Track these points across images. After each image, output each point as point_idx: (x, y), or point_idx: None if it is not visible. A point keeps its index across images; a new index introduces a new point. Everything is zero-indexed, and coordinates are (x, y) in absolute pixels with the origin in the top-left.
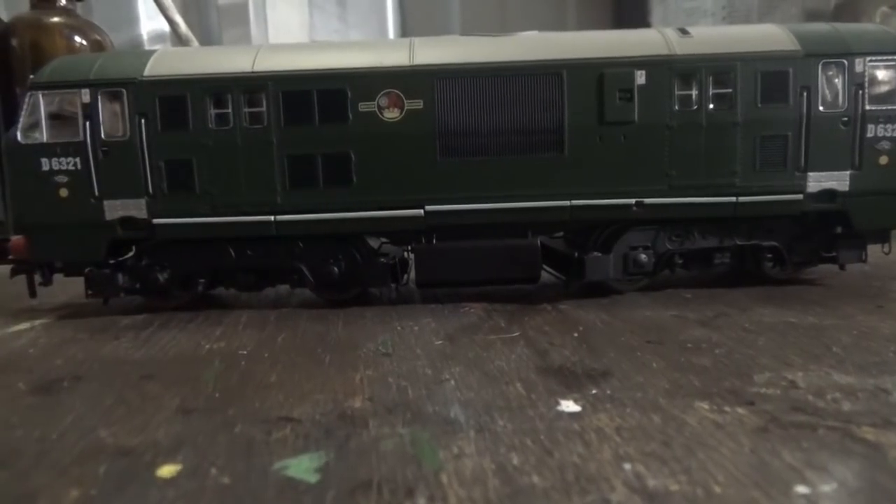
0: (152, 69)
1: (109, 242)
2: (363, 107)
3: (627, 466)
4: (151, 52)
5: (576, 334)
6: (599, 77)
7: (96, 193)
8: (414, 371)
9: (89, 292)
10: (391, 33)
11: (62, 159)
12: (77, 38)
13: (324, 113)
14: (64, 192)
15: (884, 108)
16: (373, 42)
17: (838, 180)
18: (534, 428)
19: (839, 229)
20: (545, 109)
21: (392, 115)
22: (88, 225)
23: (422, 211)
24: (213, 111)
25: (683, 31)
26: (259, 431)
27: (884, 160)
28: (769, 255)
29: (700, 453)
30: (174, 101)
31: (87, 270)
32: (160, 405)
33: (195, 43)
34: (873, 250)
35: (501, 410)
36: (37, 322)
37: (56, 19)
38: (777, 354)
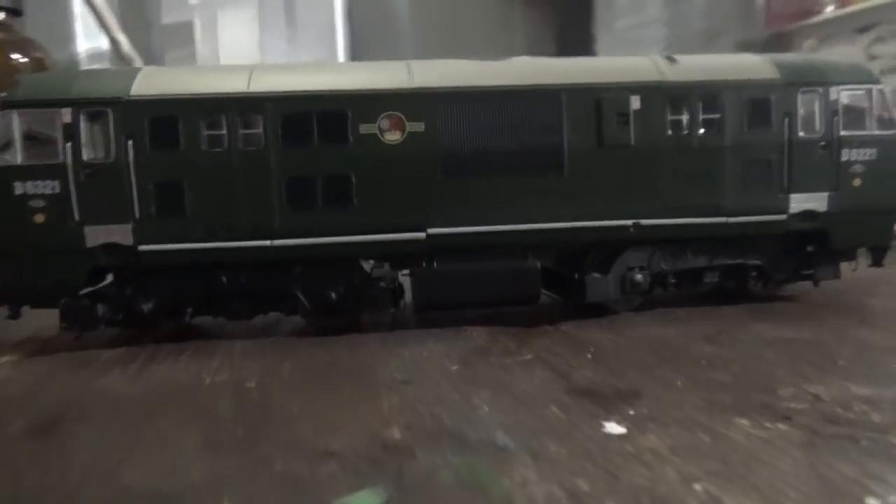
0: (140, 88)
1: (89, 271)
2: (364, 129)
3: (698, 487)
4: (135, 71)
5: (589, 355)
6: (597, 101)
7: (76, 218)
8: (440, 397)
9: (64, 325)
10: (341, 56)
11: (39, 182)
12: (15, 56)
13: (323, 134)
14: (40, 218)
15: (856, 133)
16: (370, 64)
17: (818, 201)
18: (588, 451)
19: (810, 248)
20: (545, 133)
21: (393, 137)
22: (67, 252)
23: (423, 234)
24: (206, 132)
25: (671, 59)
26: (302, 467)
27: (857, 182)
28: (753, 273)
29: (762, 470)
30: (164, 121)
31: (62, 302)
32: (182, 443)
33: (138, 63)
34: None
35: (548, 435)
36: (3, 359)
37: None
38: (790, 369)
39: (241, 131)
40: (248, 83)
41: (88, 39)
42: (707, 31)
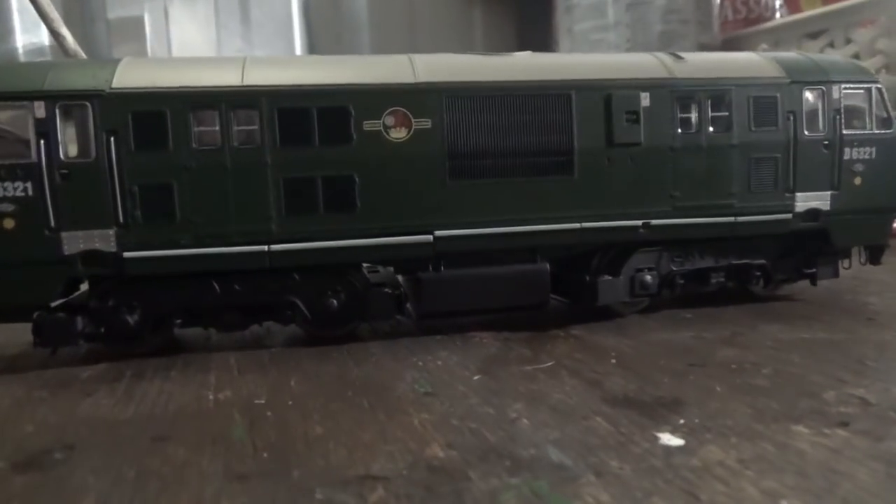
0: (122, 80)
1: (66, 281)
2: (368, 126)
3: (785, 503)
4: (116, 61)
5: (613, 361)
6: (607, 98)
7: (52, 224)
8: (473, 411)
9: (38, 341)
10: (298, 53)
11: (7, 184)
12: None
13: (324, 132)
14: (9, 223)
15: (857, 132)
16: (371, 57)
17: (821, 200)
18: (653, 467)
19: (812, 247)
20: (555, 131)
21: (399, 134)
22: (41, 261)
23: (431, 237)
24: (197, 129)
25: (677, 56)
26: (348, 496)
27: (858, 181)
28: (757, 273)
29: (843, 482)
30: (151, 117)
31: (36, 315)
32: (201, 473)
33: (83, 58)
34: None
35: (603, 449)
36: None
37: None
38: (823, 371)
39: (236, 128)
40: (242, 76)
41: (28, 34)
42: (665, 35)
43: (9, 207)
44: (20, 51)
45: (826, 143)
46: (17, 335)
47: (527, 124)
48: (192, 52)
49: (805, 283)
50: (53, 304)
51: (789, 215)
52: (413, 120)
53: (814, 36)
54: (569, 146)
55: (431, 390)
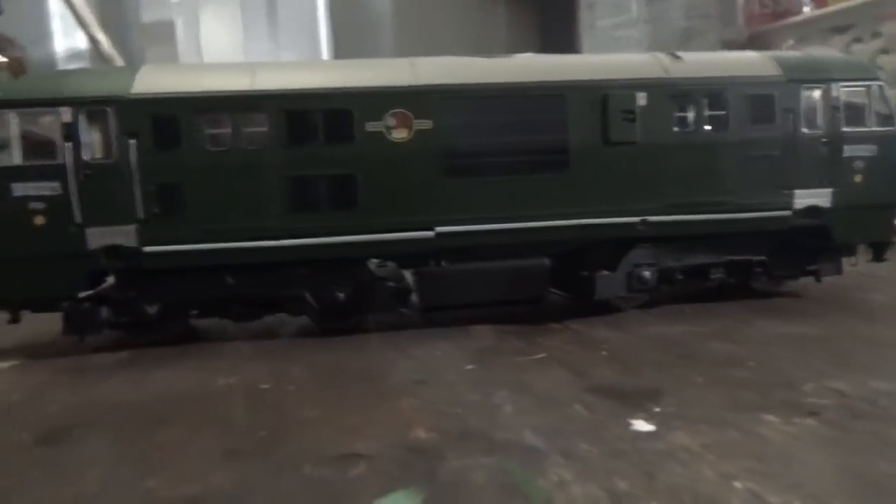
0: (141, 86)
1: (91, 274)
2: (370, 127)
3: (738, 485)
4: (134, 69)
5: (603, 353)
6: (603, 98)
7: (77, 221)
8: (460, 397)
9: (66, 329)
10: (324, 54)
11: (38, 184)
12: None
13: (328, 133)
14: (40, 220)
15: (856, 129)
16: (372, 61)
17: (821, 197)
18: (620, 450)
19: (813, 244)
20: (552, 130)
21: (400, 135)
22: (68, 255)
23: (432, 233)
24: (209, 131)
25: (675, 56)
26: (331, 471)
27: (858, 178)
28: (758, 269)
29: (798, 467)
30: (167, 120)
31: (65, 305)
32: (201, 449)
33: (119, 62)
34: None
35: (576, 434)
36: (4, 364)
37: None
38: (806, 365)
39: (245, 130)
40: (252, 81)
41: (66, 38)
42: (687, 31)
43: (39, 205)
44: (59, 55)
45: (825, 140)
46: (51, 325)
47: (524, 124)
48: (220, 54)
49: (810, 279)
50: (82, 295)
51: (788, 212)
52: (414, 120)
53: (840, 30)
54: (564, 145)
55: (423, 378)
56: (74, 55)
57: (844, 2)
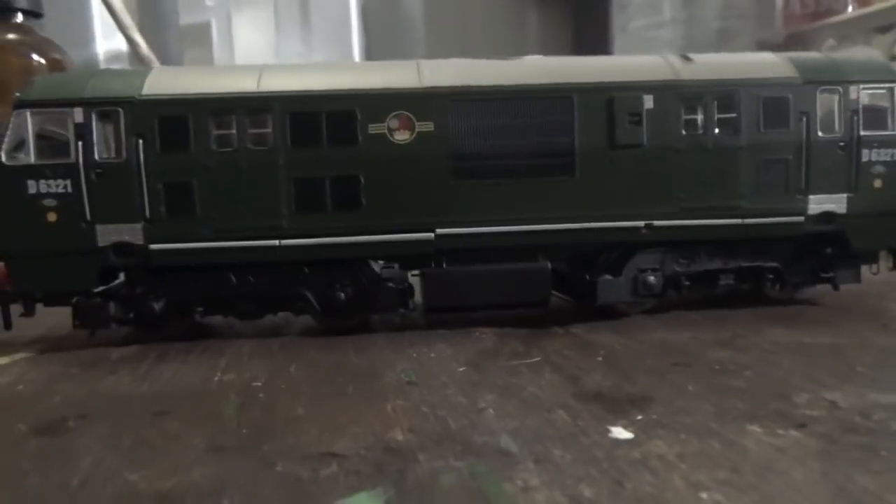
0: (150, 88)
1: (100, 270)
2: (373, 129)
3: (704, 495)
4: (146, 71)
5: (599, 358)
6: (609, 101)
7: (88, 218)
8: (446, 400)
9: (76, 324)
10: (356, 56)
11: (51, 181)
12: (35, 56)
13: (332, 135)
14: (52, 217)
15: (877, 133)
16: (379, 64)
17: (836, 203)
18: (594, 457)
19: (829, 250)
20: (556, 133)
21: (402, 137)
22: (79, 251)
23: (432, 234)
24: (215, 132)
25: (686, 58)
26: (304, 469)
27: (878, 183)
28: (770, 276)
29: (774, 479)
30: (175, 121)
31: (75, 300)
32: (186, 444)
33: (156, 63)
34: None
35: (553, 439)
36: (17, 356)
37: (12, 37)
38: (807, 375)
39: (250, 131)
40: (258, 83)
41: (107, 40)
42: (723, 32)
43: (52, 202)
44: (100, 56)
45: (842, 144)
46: (65, 318)
47: (528, 126)
48: (253, 56)
49: (828, 287)
50: (95, 291)
51: (801, 218)
52: (416, 122)
53: (883, 30)
54: (570, 148)
55: (415, 379)
56: (114, 57)
57: (888, 1)
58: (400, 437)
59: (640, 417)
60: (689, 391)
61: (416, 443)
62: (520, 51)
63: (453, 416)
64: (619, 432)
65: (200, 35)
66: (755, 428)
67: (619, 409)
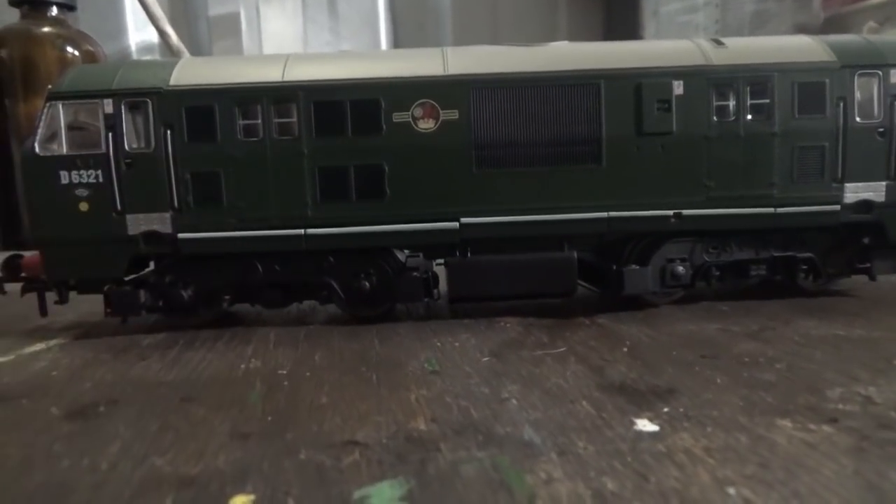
0: (178, 78)
1: (131, 258)
2: (397, 117)
3: (731, 491)
4: (174, 62)
5: (625, 349)
6: (637, 87)
7: (118, 207)
8: (469, 390)
9: (108, 311)
10: (384, 45)
11: (83, 172)
12: (69, 49)
13: (356, 124)
14: (84, 206)
15: None
16: (404, 52)
17: (875, 191)
18: (618, 450)
19: (865, 240)
20: (583, 120)
21: (427, 125)
22: (110, 240)
23: (457, 224)
24: (241, 122)
25: (718, 42)
26: (326, 457)
27: None
28: (804, 267)
29: (803, 476)
30: (202, 111)
31: (107, 288)
32: (211, 430)
33: (186, 55)
34: None
35: (577, 431)
36: (52, 342)
37: (47, 30)
38: (840, 368)
39: (276, 120)
40: (283, 72)
41: (139, 32)
42: (758, 15)
43: (84, 192)
44: (132, 48)
45: (881, 130)
46: (99, 306)
47: (554, 114)
48: (281, 46)
49: (863, 278)
50: (126, 279)
51: (837, 207)
52: (441, 111)
53: None
54: (596, 135)
55: (438, 369)
56: (146, 49)
57: None
58: (422, 427)
59: (665, 410)
60: (717, 384)
61: (438, 432)
62: (549, 38)
63: (476, 406)
64: (644, 425)
65: (230, 26)
66: (785, 422)
67: (644, 401)
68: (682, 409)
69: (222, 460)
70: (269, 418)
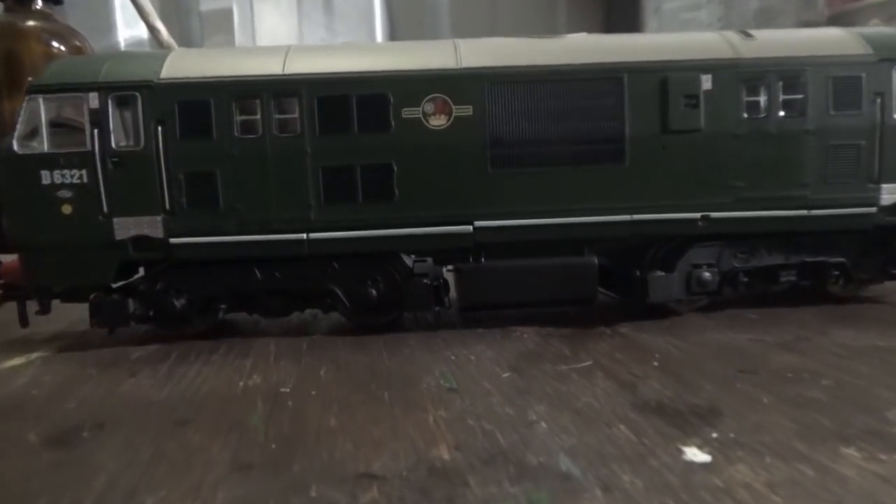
0: (170, 71)
1: (118, 264)
2: (407, 113)
3: None
4: (166, 53)
5: (655, 363)
6: (663, 81)
7: (105, 210)
8: (492, 410)
9: (95, 321)
10: (379, 41)
11: (66, 171)
12: (55, 43)
13: (363, 120)
14: (67, 209)
15: None
16: (414, 44)
17: None
18: (668, 484)
19: None
20: (604, 117)
21: (438, 122)
22: (96, 245)
23: (470, 227)
24: (239, 118)
25: (746, 34)
26: (341, 494)
27: None
28: (835, 272)
29: None
30: (196, 106)
31: (92, 297)
32: (209, 460)
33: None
34: None
35: (618, 461)
36: (33, 356)
37: (32, 23)
38: (890, 384)
39: (276, 116)
40: (284, 65)
41: (128, 28)
42: (763, 12)
43: (67, 194)
44: (122, 45)
45: None
46: (84, 315)
47: (574, 110)
48: (276, 42)
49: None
50: (113, 287)
51: (873, 209)
52: (453, 107)
53: None
54: (619, 133)
55: (456, 386)
56: (136, 45)
57: None
58: (445, 456)
59: (714, 435)
60: (763, 403)
61: (463, 462)
62: (549, 33)
63: (502, 431)
64: (694, 454)
65: (222, 22)
66: (850, 451)
67: (686, 423)
68: (731, 435)
69: (222, 498)
70: (273, 445)
